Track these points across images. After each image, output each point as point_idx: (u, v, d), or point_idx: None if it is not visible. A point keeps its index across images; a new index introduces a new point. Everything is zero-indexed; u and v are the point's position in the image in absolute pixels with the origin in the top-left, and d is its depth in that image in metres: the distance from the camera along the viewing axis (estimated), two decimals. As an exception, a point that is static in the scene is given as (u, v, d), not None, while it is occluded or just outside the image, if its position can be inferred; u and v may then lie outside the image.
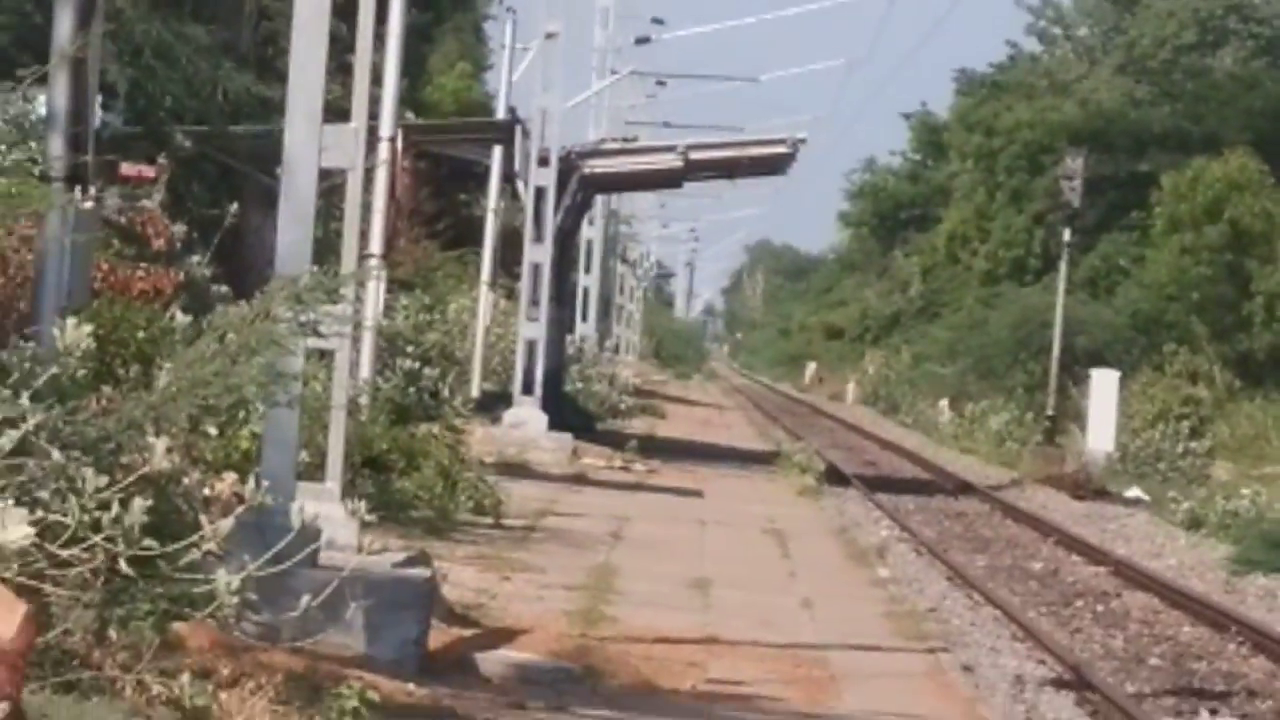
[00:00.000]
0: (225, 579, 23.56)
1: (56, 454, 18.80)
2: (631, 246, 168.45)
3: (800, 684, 33.91)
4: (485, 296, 75.89)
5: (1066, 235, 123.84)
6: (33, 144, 26.72)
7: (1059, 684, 40.17)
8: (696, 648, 36.44)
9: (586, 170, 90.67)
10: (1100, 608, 54.37)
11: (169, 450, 23.28)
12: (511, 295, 77.63)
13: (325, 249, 33.74)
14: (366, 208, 37.66)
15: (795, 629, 40.21)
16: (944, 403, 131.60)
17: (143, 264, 29.39)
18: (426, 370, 55.00)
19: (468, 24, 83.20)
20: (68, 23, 28.61)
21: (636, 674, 33.05)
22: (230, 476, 27.28)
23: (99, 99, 29.69)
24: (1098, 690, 39.44)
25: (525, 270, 78.25)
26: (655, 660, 34.49)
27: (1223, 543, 68.92)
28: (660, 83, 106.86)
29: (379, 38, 37.00)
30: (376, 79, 37.30)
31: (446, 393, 58.00)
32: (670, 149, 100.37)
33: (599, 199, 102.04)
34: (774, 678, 34.20)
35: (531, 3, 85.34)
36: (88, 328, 23.67)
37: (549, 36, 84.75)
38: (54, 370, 21.37)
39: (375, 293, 40.14)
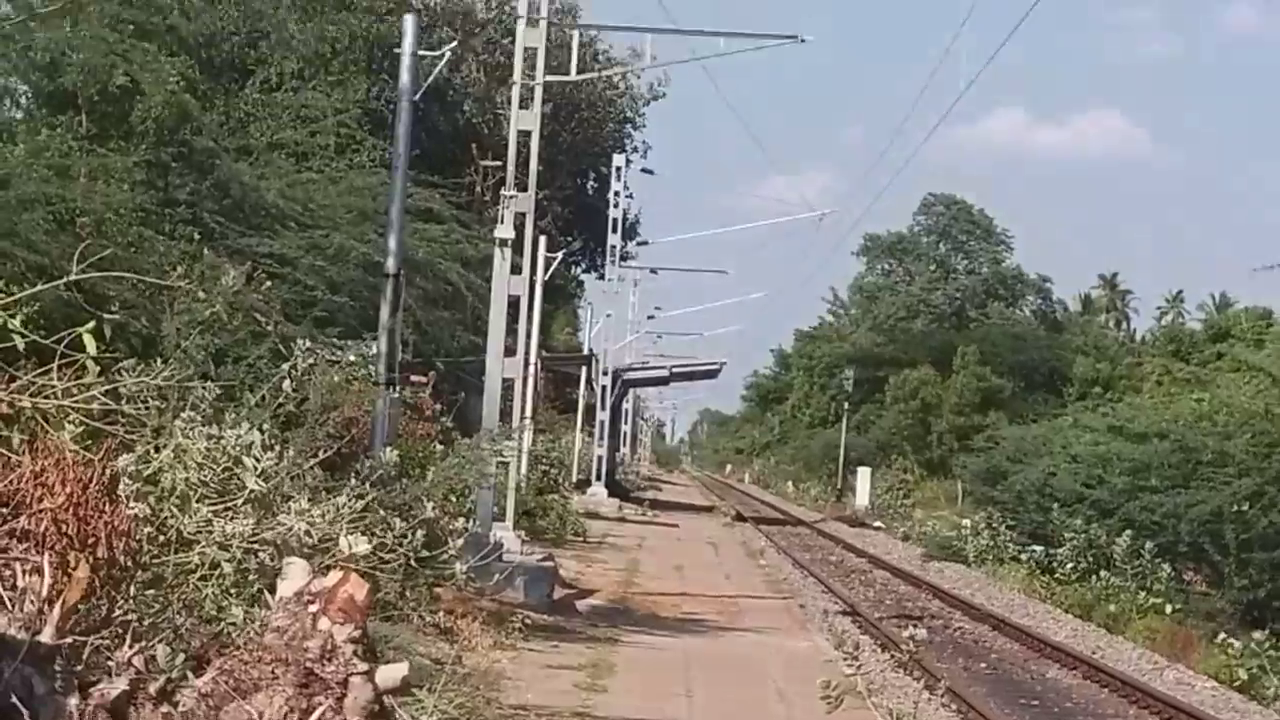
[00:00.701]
0: (460, 567, 23.56)
1: (382, 511, 18.78)
2: (645, 411, 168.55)
3: (726, 614, 33.97)
4: (579, 435, 75.50)
5: (846, 405, 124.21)
6: (371, 367, 26.44)
7: (843, 613, 39.78)
8: (677, 597, 36.45)
9: (625, 378, 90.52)
10: (862, 578, 53.97)
11: (434, 508, 23.17)
12: (591, 434, 77.46)
13: (505, 414, 33.69)
14: (524, 395, 37.72)
15: (722, 588, 40.19)
16: (790, 483, 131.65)
17: (421, 422, 29.32)
18: (551, 470, 54.81)
19: (570, 309, 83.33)
20: (386, 311, 28.62)
21: (649, 609, 33.19)
22: (462, 520, 27.35)
23: (400, 346, 29.59)
24: (861, 615, 39.35)
25: (597, 423, 78.04)
26: (658, 603, 34.60)
27: (919, 546, 68.59)
28: (658, 337, 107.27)
29: (529, 319, 36.95)
30: (528, 334, 37.37)
31: (561, 479, 57.96)
32: (663, 369, 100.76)
33: (631, 390, 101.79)
34: (713, 611, 34.23)
35: (598, 299, 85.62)
36: (395, 452, 23.67)
37: (607, 316, 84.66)
38: (380, 471, 21.25)
39: (528, 434, 40.11)
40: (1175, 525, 49.18)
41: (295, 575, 6.63)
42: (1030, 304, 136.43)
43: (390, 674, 6.53)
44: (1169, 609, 44.80)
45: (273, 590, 7.38)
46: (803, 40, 46.13)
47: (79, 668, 6.32)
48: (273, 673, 6.27)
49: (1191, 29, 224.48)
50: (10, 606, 6.18)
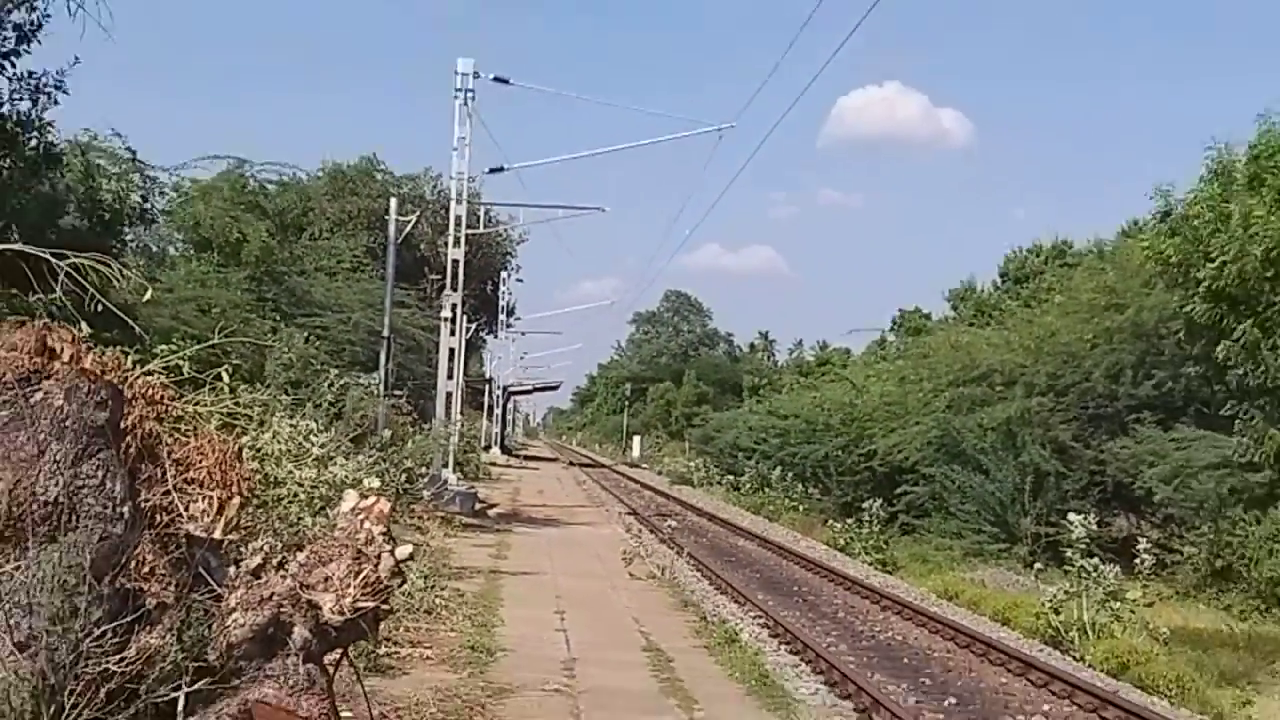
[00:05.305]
0: (426, 494, 23.17)
1: (384, 464, 18.47)
2: (519, 408, 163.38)
3: (567, 515, 33.49)
4: (485, 422, 74.28)
5: (625, 403, 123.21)
6: (375, 387, 25.95)
7: (630, 513, 38.59)
8: (541, 507, 35.92)
9: (509, 390, 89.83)
10: (638, 494, 53.54)
11: (411, 463, 22.83)
12: (491, 421, 76.54)
13: (447, 411, 33.13)
14: (457, 401, 36.95)
15: (564, 501, 39.63)
16: (597, 445, 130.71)
17: (402, 416, 28.62)
18: (471, 440, 53.51)
19: (479, 354, 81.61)
20: (383, 357, 28.16)
21: (527, 514, 32.73)
22: (426, 468, 26.91)
23: (390, 375, 28.92)
24: (639, 514, 38.67)
25: (495, 415, 77.39)
26: (531, 510, 34.10)
27: (667, 477, 68.50)
28: (526, 368, 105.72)
29: (459, 360, 36.17)
30: (458, 368, 36.64)
31: (476, 445, 56.75)
32: (528, 386, 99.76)
33: (512, 397, 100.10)
34: (560, 514, 33.69)
35: (495, 348, 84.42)
36: (389, 433, 23.27)
37: (499, 358, 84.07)
38: (382, 443, 20.85)
39: (459, 422, 39.15)
40: (804, 462, 49.66)
41: (350, 499, 6.51)
42: (722, 348, 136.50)
43: (401, 551, 6.41)
44: (801, 508, 45.21)
45: (332, 508, 7.26)
46: (604, 210, 46.50)
47: (233, 552, 6.19)
48: (339, 552, 6.15)
49: (803, 201, 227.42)
50: (197, 520, 6.04)
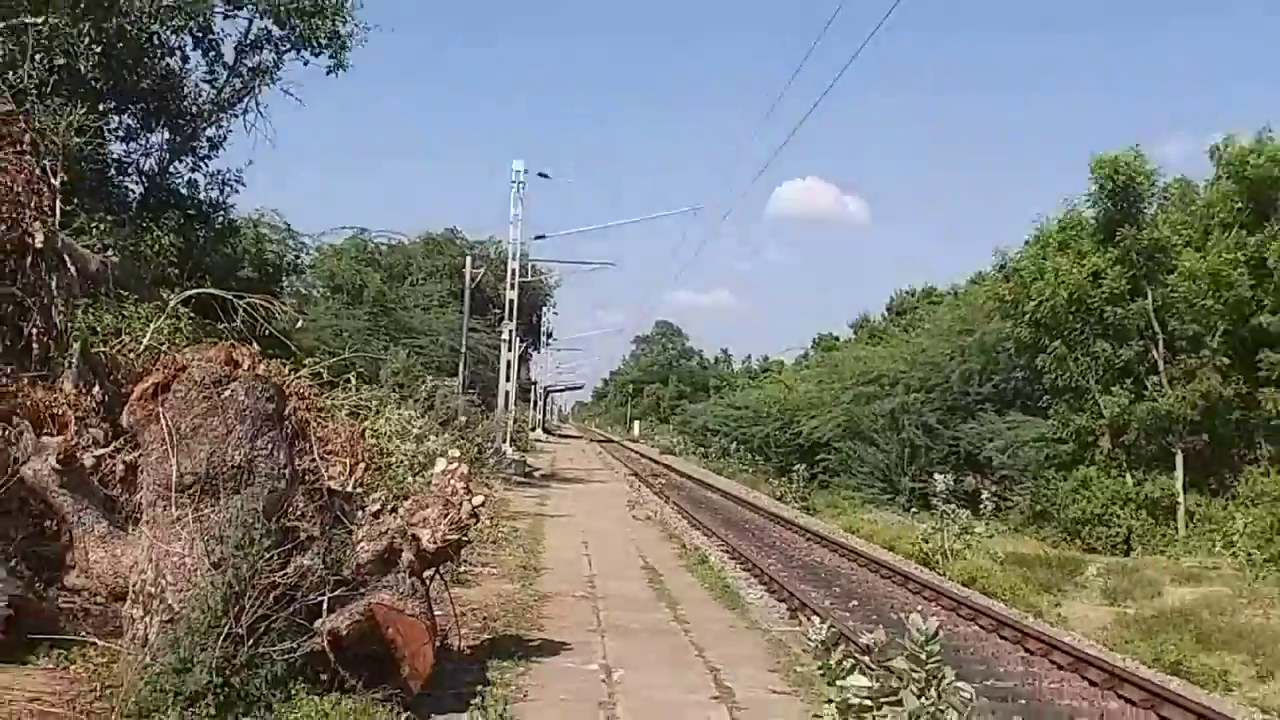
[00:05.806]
0: (491, 460, 22.97)
1: (463, 439, 18.30)
2: (554, 402, 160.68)
3: (590, 475, 33.23)
4: (532, 411, 73.52)
5: (629, 399, 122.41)
6: (456, 388, 25.78)
7: (632, 474, 37.41)
8: (572, 469, 35.73)
9: (547, 389, 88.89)
10: (638, 461, 52.69)
11: (480, 438, 22.68)
12: (536, 410, 75.76)
13: (505, 404, 32.92)
14: (512, 396, 36.61)
15: (587, 466, 39.33)
16: (609, 427, 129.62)
17: (475, 408, 28.50)
18: (522, 423, 53.01)
19: (527, 365, 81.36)
20: (461, 366, 28.01)
21: (562, 475, 32.20)
22: (490, 442, 26.70)
23: (466, 380, 28.70)
24: (639, 475, 37.92)
25: (540, 406, 76.78)
26: (565, 471, 33.66)
27: (658, 449, 68.05)
28: (561, 373, 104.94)
29: (514, 369, 35.85)
30: (512, 374, 36.35)
31: (525, 427, 56.10)
32: (561, 387, 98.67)
33: (549, 394, 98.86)
34: (584, 474, 33.37)
35: (538, 359, 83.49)
36: (465, 418, 23.13)
37: (540, 368, 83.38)
38: (461, 426, 20.67)
39: (512, 414, 38.77)
40: (752, 438, 49.59)
41: (440, 464, 6.57)
42: (695, 360, 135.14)
43: (476, 500, 6.46)
44: (749, 471, 45.09)
45: (428, 471, 7.28)
46: (614, 264, 46.38)
47: (360, 501, 6.23)
48: (433, 501, 6.22)
49: (751, 259, 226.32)
50: (334, 479, 6.09)
